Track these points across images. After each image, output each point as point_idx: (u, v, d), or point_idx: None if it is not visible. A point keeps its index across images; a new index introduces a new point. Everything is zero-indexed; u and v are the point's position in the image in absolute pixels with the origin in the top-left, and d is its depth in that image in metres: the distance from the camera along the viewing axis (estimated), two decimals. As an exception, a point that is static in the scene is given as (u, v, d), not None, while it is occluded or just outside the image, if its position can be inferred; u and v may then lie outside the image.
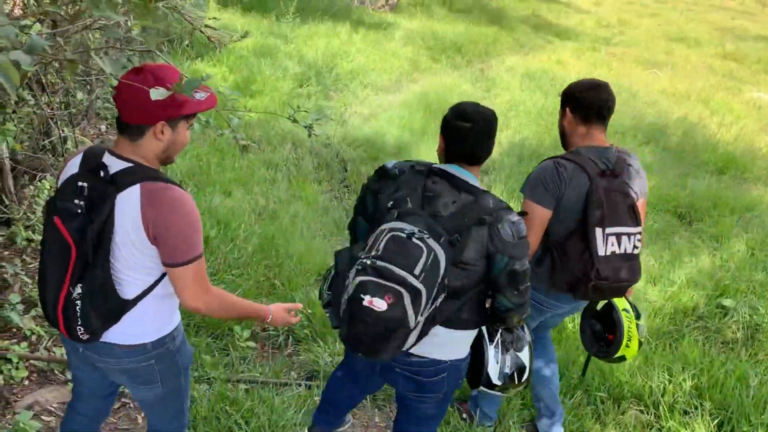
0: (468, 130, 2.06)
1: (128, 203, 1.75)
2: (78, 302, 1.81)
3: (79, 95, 4.76)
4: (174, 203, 1.78)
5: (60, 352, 3.23)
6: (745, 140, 8.45)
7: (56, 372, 3.15)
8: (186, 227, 1.79)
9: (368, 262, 1.86)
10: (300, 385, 3.29)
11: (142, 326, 1.93)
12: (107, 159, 1.80)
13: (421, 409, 2.30)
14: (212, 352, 3.45)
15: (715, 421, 3.12)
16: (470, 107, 2.10)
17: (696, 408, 3.25)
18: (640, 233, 2.45)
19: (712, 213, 5.88)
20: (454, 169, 2.08)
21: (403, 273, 1.83)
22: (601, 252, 2.37)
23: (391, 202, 2.05)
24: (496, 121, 2.13)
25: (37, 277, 2.01)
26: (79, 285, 1.79)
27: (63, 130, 4.42)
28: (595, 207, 2.36)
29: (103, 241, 1.76)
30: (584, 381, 3.42)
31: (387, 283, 1.82)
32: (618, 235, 2.40)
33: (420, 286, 1.83)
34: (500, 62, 12.19)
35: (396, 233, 1.90)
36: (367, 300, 1.83)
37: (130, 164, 1.79)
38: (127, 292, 1.86)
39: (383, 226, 1.95)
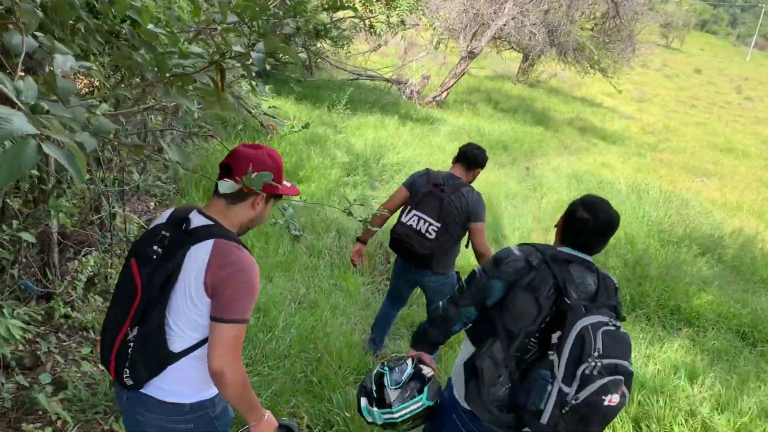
0: (588, 223, 2.17)
1: (198, 254, 1.86)
2: (131, 344, 1.90)
3: (135, 175, 4.79)
4: (241, 263, 1.86)
5: (84, 441, 3.05)
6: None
7: (78, 463, 2.95)
8: (243, 288, 1.85)
9: (599, 363, 1.93)
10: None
11: (184, 384, 1.97)
12: (193, 215, 1.96)
13: None
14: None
15: None
16: (598, 201, 2.22)
17: None
18: (436, 226, 3.59)
19: (777, 336, 5.51)
20: (577, 252, 2.20)
21: (627, 364, 1.99)
22: (403, 219, 3.75)
23: (567, 295, 2.07)
24: (617, 223, 2.23)
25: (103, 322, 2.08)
26: (137, 328, 1.89)
27: (114, 206, 4.41)
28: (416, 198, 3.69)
29: (166, 288, 1.86)
30: None
31: (618, 377, 1.95)
32: (419, 217, 3.65)
33: (632, 369, 2.03)
34: (546, 162, 12.19)
35: (605, 328, 2.00)
36: (608, 399, 1.93)
37: (212, 222, 1.94)
38: (175, 345, 1.91)
39: (583, 322, 1.99)
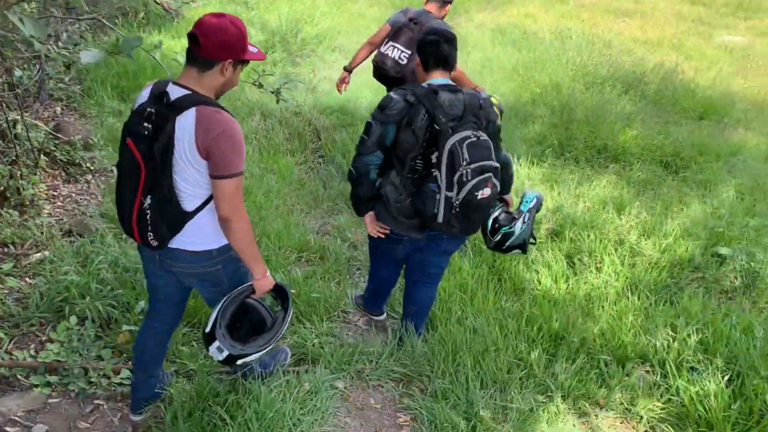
0: (440, 41, 2.71)
1: (185, 123, 2.05)
2: (148, 212, 2.16)
3: (17, 73, 4.37)
4: (224, 124, 2.06)
5: (22, 355, 2.97)
6: (722, 84, 8.32)
7: (20, 377, 2.89)
8: (231, 145, 2.07)
9: (468, 169, 2.53)
10: (288, 372, 3.08)
11: (205, 234, 2.24)
12: (170, 88, 2.11)
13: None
14: (190, 342, 3.22)
15: (725, 378, 2.98)
16: (436, 26, 2.72)
17: (703, 364, 3.11)
18: (407, 53, 4.11)
19: (698, 160, 5.75)
20: (441, 80, 2.72)
21: (491, 162, 2.60)
22: (382, 50, 4.26)
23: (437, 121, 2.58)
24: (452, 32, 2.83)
25: (114, 196, 2.32)
26: (149, 197, 2.13)
27: (9, 114, 4.07)
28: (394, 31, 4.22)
29: (167, 158, 2.08)
30: (586, 344, 3.26)
31: (486, 174, 2.57)
32: (394, 47, 4.17)
33: (497, 164, 2.66)
34: (468, 19, 11.88)
35: (468, 140, 2.55)
36: (480, 194, 2.56)
37: (189, 92, 2.09)
38: (188, 204, 2.17)
39: (451, 141, 2.55)
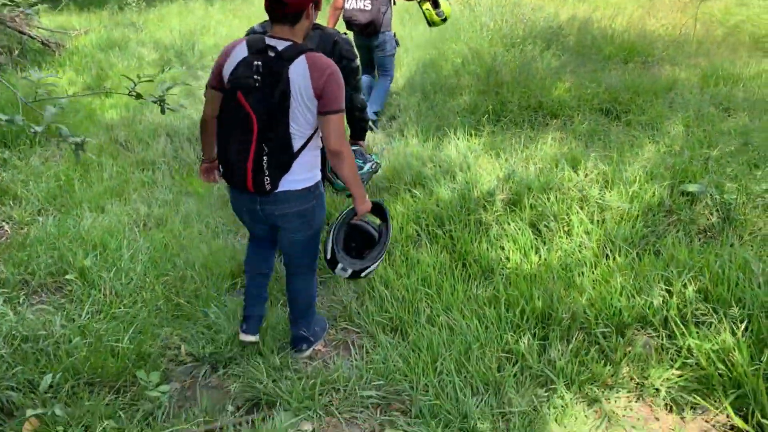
0: None
1: (298, 69, 2.28)
2: (265, 159, 2.35)
3: None
4: (330, 66, 2.33)
5: None
6: (636, 27, 8.18)
7: None
8: (338, 84, 2.35)
9: None
10: (241, 425, 2.53)
11: (306, 172, 2.47)
12: (270, 41, 2.34)
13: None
14: (116, 412, 2.62)
15: (743, 326, 2.62)
16: None
17: (710, 315, 2.75)
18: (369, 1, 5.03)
19: (637, 101, 5.48)
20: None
21: None
22: (346, 6, 5.14)
23: None
24: None
25: (217, 148, 2.49)
26: (264, 144, 2.33)
27: None
28: None
29: (286, 104, 2.29)
30: (577, 318, 2.85)
31: None
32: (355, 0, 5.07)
33: None
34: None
35: None
36: None
37: (290, 43, 2.33)
38: (296, 144, 2.39)
39: None
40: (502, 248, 3.54)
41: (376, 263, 2.74)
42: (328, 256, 2.67)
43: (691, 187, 3.78)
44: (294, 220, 2.56)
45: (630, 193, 3.76)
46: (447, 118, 5.39)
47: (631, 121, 5.17)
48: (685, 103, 5.37)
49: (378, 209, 2.79)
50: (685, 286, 2.92)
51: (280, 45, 2.32)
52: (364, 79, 5.68)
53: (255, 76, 2.28)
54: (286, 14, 2.31)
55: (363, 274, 2.72)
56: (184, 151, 5.48)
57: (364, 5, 5.05)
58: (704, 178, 3.88)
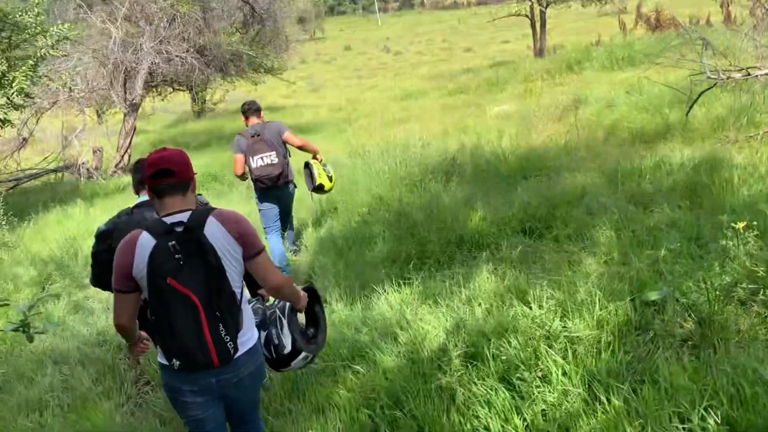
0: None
1: (214, 231, 2.35)
2: (220, 326, 2.33)
3: None
4: (236, 214, 2.48)
5: None
6: (522, 144, 8.39)
7: None
8: (250, 226, 2.48)
9: None
10: None
11: (251, 328, 2.58)
12: (170, 219, 2.35)
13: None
14: None
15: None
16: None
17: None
18: (272, 153, 5.47)
19: (556, 215, 5.31)
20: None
21: None
22: (254, 166, 5.53)
23: None
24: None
25: (163, 341, 2.39)
26: (215, 314, 2.32)
27: None
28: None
29: (220, 269, 2.31)
30: None
31: None
32: (261, 156, 5.47)
33: None
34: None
35: None
36: None
37: (189, 211, 2.38)
38: (239, 300, 2.44)
39: None
40: (477, 417, 2.97)
41: (324, 342, 2.97)
42: (287, 350, 2.72)
43: (653, 296, 3.46)
44: (249, 380, 2.55)
45: (596, 318, 3.36)
46: (368, 273, 4.94)
47: (558, 236, 4.95)
48: (602, 206, 5.25)
49: (311, 293, 2.91)
50: (703, 418, 2.46)
51: (183, 217, 2.32)
52: (275, 243, 5.85)
53: (176, 256, 2.25)
54: (176, 184, 2.35)
55: (315, 359, 2.94)
56: (77, 378, 4.63)
57: (272, 159, 5.46)
58: (660, 283, 3.58)
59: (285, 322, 2.74)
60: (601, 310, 3.42)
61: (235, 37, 14.74)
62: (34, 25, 8.71)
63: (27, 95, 8.93)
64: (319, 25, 72.87)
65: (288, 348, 2.71)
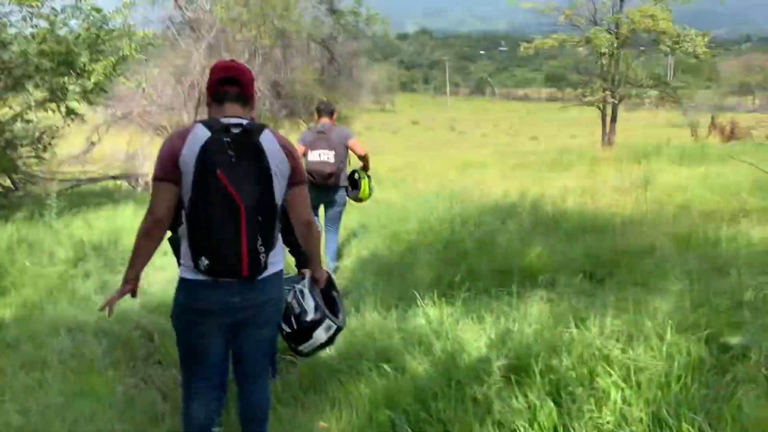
0: None
1: (268, 141, 2.28)
2: (258, 236, 2.21)
3: None
4: (288, 139, 2.46)
5: None
6: (587, 207, 8.02)
7: None
8: (299, 156, 2.48)
9: None
10: None
11: (280, 253, 2.43)
12: (231, 121, 2.26)
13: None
14: None
15: None
16: None
17: None
18: (330, 153, 5.49)
19: (621, 263, 4.88)
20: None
21: None
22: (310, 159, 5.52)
23: None
24: None
25: (195, 237, 2.22)
26: (257, 219, 2.20)
27: None
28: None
29: (268, 176, 2.23)
30: None
31: None
32: (319, 153, 5.52)
33: None
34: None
35: None
36: None
37: (247, 119, 2.34)
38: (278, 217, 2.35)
39: None
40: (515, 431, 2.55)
41: (344, 326, 2.79)
42: (310, 317, 2.55)
43: (734, 340, 3.00)
44: (270, 310, 2.43)
45: (665, 350, 2.92)
46: (409, 289, 4.60)
47: (621, 282, 4.52)
48: (673, 264, 4.80)
49: (328, 277, 2.83)
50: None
51: (241, 121, 2.27)
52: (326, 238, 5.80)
53: (229, 152, 2.16)
54: (239, 95, 2.34)
55: (335, 338, 2.72)
56: (88, 346, 4.37)
57: (328, 158, 5.44)
58: (743, 329, 3.12)
59: (306, 289, 2.60)
60: (672, 343, 2.97)
61: (310, 75, 15.04)
62: (122, 26, 9.01)
63: (102, 89, 9.12)
64: (390, 99, 74.81)
65: (311, 314, 2.54)
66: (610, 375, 2.73)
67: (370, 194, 5.94)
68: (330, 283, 2.83)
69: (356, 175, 5.82)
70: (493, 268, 4.80)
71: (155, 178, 2.28)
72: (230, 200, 2.14)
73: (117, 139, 17.54)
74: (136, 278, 2.45)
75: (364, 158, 5.78)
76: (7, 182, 12.63)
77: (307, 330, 2.57)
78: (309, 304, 2.56)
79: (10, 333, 4.75)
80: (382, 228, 6.84)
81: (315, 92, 15.63)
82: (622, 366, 2.80)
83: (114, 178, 14.04)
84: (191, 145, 2.17)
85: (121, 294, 2.45)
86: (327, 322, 2.57)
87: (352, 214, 8.26)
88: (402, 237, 6.21)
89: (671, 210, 7.86)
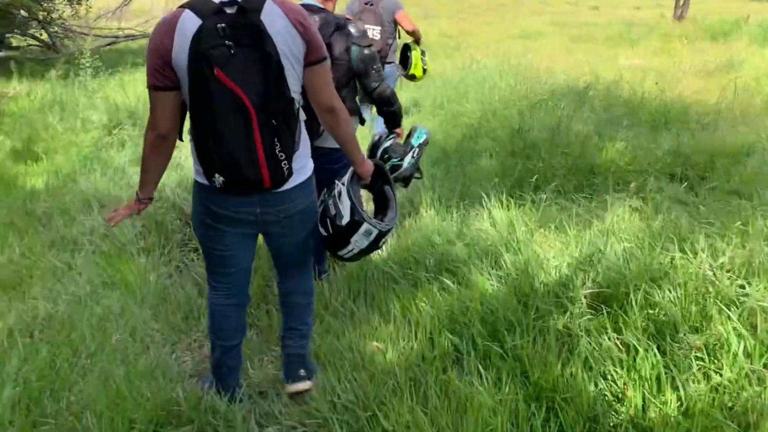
0: None
1: (273, 18, 1.80)
2: (276, 139, 1.83)
3: None
4: (301, 7, 1.93)
5: None
6: (667, 92, 7.16)
7: None
8: (315, 26, 1.96)
9: None
10: None
11: (305, 155, 2.05)
12: None
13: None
14: None
15: None
16: None
17: None
18: (377, 29, 4.77)
19: (715, 166, 4.25)
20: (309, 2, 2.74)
21: None
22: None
23: None
24: None
25: (203, 149, 1.85)
26: (271, 121, 1.80)
27: None
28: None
29: (278, 65, 1.78)
30: None
31: None
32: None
33: None
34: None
35: None
36: None
37: None
38: (296, 111, 1.93)
39: None
40: (607, 378, 2.14)
41: (393, 227, 2.36)
42: (345, 220, 2.19)
43: None
44: (298, 219, 2.13)
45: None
46: (470, 186, 4.09)
47: (716, 188, 3.92)
48: (773, 166, 4.15)
49: (378, 170, 2.41)
50: None
51: None
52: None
53: (227, 42, 1.73)
54: None
55: (381, 242, 2.30)
56: (120, 227, 4.06)
57: (373, 34, 4.76)
58: None
59: (344, 189, 2.23)
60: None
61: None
62: None
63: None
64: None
65: (346, 218, 2.18)
66: (729, 318, 2.24)
67: (424, 72, 5.37)
68: (381, 175, 2.43)
69: (409, 53, 5.22)
70: (568, 164, 4.22)
71: (149, 86, 1.85)
72: (236, 102, 1.75)
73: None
74: (149, 199, 2.15)
75: (413, 34, 5.19)
76: (44, 35, 12.16)
77: (342, 234, 2.22)
78: (345, 204, 2.20)
79: (41, 206, 4.48)
80: (437, 108, 6.20)
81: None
82: (744, 308, 2.30)
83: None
84: (180, 39, 1.75)
85: (130, 211, 2.16)
86: (366, 225, 2.19)
87: (404, 91, 7.61)
88: (460, 120, 5.59)
89: (759, 104, 6.97)
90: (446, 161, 4.74)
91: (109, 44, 13.10)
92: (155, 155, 1.99)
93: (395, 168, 3.01)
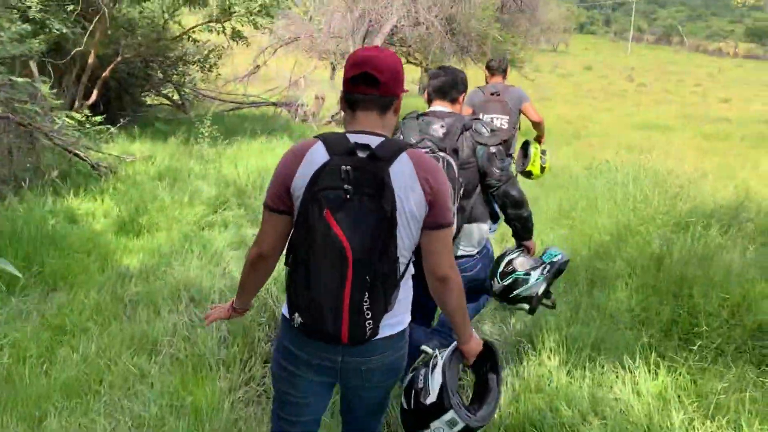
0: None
1: (403, 171, 1.73)
2: (366, 296, 1.71)
3: None
4: (437, 165, 1.83)
5: None
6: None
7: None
8: (446, 188, 1.81)
9: None
10: None
11: (404, 311, 1.90)
12: (356, 138, 1.75)
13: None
14: None
15: None
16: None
17: None
18: (504, 119, 4.81)
19: None
20: (435, 108, 2.74)
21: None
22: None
23: None
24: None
25: (293, 287, 1.76)
26: (365, 278, 1.68)
27: None
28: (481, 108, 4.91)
29: (391, 223, 1.68)
30: None
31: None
32: (491, 118, 4.83)
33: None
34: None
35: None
36: None
37: (383, 138, 1.78)
38: (400, 274, 1.79)
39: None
40: None
41: (488, 421, 1.99)
42: (431, 400, 1.88)
43: None
44: (380, 373, 1.89)
45: None
46: (606, 328, 3.43)
47: None
48: None
49: (488, 351, 2.06)
50: None
51: (372, 141, 1.73)
52: None
53: (345, 186, 1.63)
54: (376, 98, 1.77)
55: None
56: (202, 331, 3.71)
57: (502, 124, 4.80)
58: None
59: (440, 362, 1.97)
60: None
61: (488, 12, 13.50)
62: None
63: (268, 13, 8.49)
64: (565, 38, 70.15)
65: (432, 397, 1.90)
66: None
67: (542, 171, 5.04)
68: (489, 358, 2.08)
69: (529, 149, 5.02)
70: (725, 314, 3.47)
71: (265, 204, 1.82)
72: (337, 248, 1.65)
73: (282, 63, 17.35)
74: (244, 309, 2.13)
75: (538, 126, 5.10)
76: (175, 96, 12.80)
77: (423, 414, 1.92)
78: (436, 382, 1.92)
79: (131, 291, 4.26)
80: (563, 217, 5.59)
81: (490, 30, 14.15)
82: None
83: (274, 104, 13.78)
84: (304, 170, 1.71)
85: (227, 317, 2.15)
86: (452, 414, 1.87)
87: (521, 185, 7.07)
88: (589, 235, 4.95)
89: None
90: (574, 287, 4.10)
91: (232, 109, 13.59)
92: (254, 272, 1.95)
93: (520, 283, 2.70)
